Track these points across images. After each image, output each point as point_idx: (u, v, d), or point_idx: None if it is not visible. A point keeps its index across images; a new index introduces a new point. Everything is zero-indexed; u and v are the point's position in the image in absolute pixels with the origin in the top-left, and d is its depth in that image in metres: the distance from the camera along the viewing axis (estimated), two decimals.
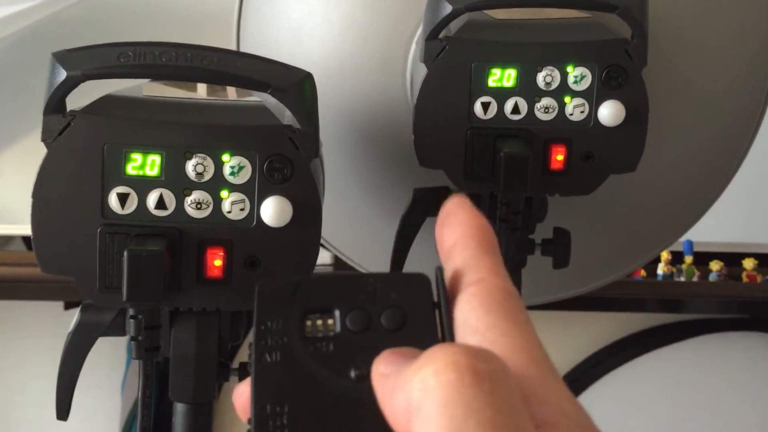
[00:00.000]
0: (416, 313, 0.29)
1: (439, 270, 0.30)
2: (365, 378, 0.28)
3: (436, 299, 0.30)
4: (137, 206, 0.47)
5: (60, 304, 1.08)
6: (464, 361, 0.25)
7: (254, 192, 0.47)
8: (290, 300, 0.30)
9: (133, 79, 0.50)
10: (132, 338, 0.48)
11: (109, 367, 1.11)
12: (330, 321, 0.29)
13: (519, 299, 0.29)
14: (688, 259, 1.10)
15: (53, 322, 1.09)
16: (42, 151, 0.47)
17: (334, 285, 0.30)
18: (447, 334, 0.29)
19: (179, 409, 0.50)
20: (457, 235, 0.31)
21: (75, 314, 0.51)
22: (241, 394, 0.30)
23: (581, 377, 1.10)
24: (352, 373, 0.28)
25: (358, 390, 0.28)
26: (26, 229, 1.06)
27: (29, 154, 1.04)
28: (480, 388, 0.24)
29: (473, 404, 0.24)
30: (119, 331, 0.51)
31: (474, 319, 0.28)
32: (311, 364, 0.28)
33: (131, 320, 0.48)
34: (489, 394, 0.24)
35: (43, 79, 0.47)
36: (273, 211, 0.46)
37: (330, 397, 0.28)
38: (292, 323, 0.29)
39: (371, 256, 0.76)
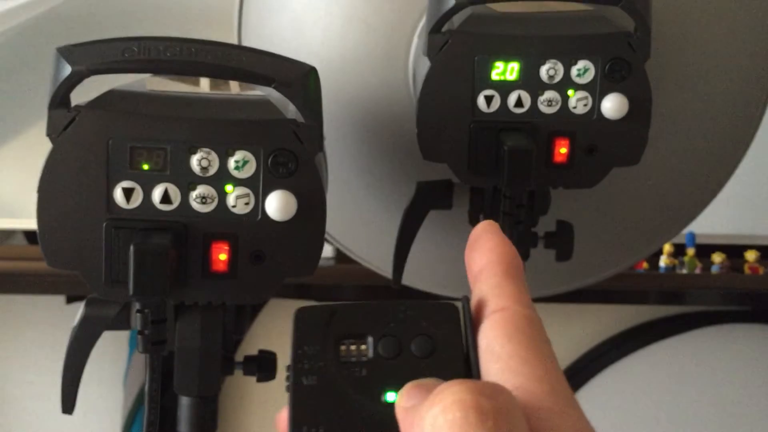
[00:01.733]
0: (445, 341, 0.31)
1: (466, 300, 0.32)
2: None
3: (463, 328, 0.32)
4: (142, 201, 0.47)
5: (62, 298, 1.08)
6: (469, 399, 0.26)
7: (259, 186, 0.47)
8: (326, 326, 0.32)
9: (136, 74, 0.50)
10: (138, 332, 0.49)
11: (111, 360, 1.11)
12: (363, 347, 0.31)
13: (542, 328, 0.30)
14: (691, 251, 1.09)
15: (55, 316, 1.09)
16: (43, 146, 0.47)
17: (367, 312, 0.32)
18: (473, 363, 0.30)
19: (184, 402, 0.50)
20: (484, 261, 0.33)
21: (78, 308, 0.52)
22: (284, 419, 0.32)
23: (583, 370, 1.10)
24: (383, 399, 0.30)
25: (389, 415, 0.29)
26: (27, 224, 1.07)
27: (30, 149, 1.04)
28: (483, 426, 0.25)
29: None
30: (124, 324, 0.51)
31: (497, 346, 0.29)
32: (345, 388, 0.30)
33: (138, 314, 0.48)
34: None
35: (44, 74, 0.46)
36: (278, 205, 0.46)
37: (362, 420, 0.30)
38: (327, 348, 0.31)
39: (374, 249, 0.76)
